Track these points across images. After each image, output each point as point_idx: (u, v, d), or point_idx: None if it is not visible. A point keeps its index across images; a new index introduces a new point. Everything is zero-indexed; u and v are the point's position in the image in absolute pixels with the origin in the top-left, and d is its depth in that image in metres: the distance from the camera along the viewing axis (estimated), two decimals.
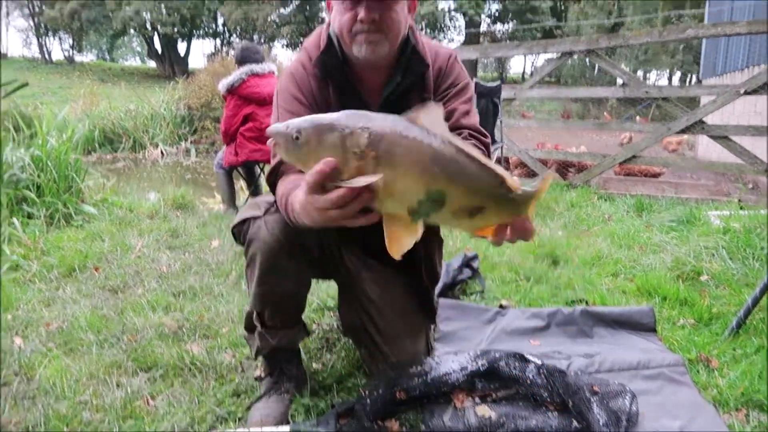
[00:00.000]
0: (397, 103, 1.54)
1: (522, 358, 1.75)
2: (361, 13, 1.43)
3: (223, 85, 4.42)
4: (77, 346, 2.15)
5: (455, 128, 1.58)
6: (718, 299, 2.56)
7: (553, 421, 1.57)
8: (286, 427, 1.56)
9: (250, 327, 1.78)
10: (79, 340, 2.19)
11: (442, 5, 28.39)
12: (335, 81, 1.58)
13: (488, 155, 1.63)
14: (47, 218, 3.76)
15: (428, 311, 1.90)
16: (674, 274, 2.90)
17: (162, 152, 11.08)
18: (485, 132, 1.65)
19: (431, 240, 1.84)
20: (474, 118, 1.65)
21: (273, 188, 1.54)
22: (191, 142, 11.32)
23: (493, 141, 5.46)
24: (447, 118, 1.58)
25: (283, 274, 1.59)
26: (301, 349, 1.93)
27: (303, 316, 1.83)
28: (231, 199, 4.75)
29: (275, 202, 1.58)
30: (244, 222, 1.60)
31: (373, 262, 1.76)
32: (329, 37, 1.58)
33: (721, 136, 5.02)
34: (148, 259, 3.25)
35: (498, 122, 5.46)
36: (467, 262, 2.79)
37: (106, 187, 4.68)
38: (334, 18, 1.51)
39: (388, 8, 1.45)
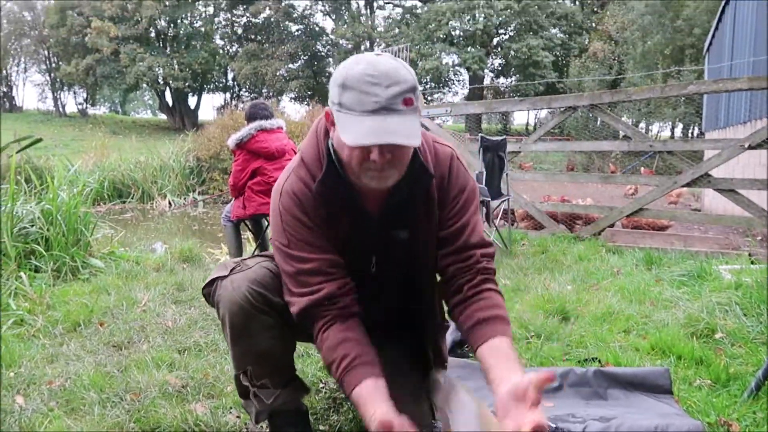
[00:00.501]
0: (398, 211, 1.54)
1: None
2: (374, 155, 1.33)
3: (232, 140, 4.49)
4: (79, 406, 2.10)
5: (467, 247, 1.56)
6: (735, 358, 2.50)
7: None
8: None
9: (243, 393, 1.72)
10: (81, 399, 2.14)
11: (446, 60, 29.16)
12: (339, 201, 1.52)
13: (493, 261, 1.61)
14: (54, 272, 3.76)
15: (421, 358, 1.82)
16: (688, 331, 2.84)
17: (170, 203, 11.19)
18: (489, 241, 1.63)
19: (437, 325, 1.82)
20: (480, 229, 1.62)
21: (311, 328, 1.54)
22: (199, 193, 11.43)
23: (500, 194, 5.49)
24: (458, 233, 1.57)
25: (255, 332, 1.57)
26: (309, 410, 1.88)
27: (301, 374, 1.79)
28: (238, 252, 4.77)
29: (241, 262, 1.63)
30: (213, 283, 1.61)
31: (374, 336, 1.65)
32: (330, 160, 1.48)
33: (728, 189, 5.02)
34: (154, 313, 3.22)
35: (504, 175, 5.50)
36: None
37: (113, 239, 4.69)
38: (340, 145, 1.39)
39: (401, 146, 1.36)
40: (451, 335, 2.41)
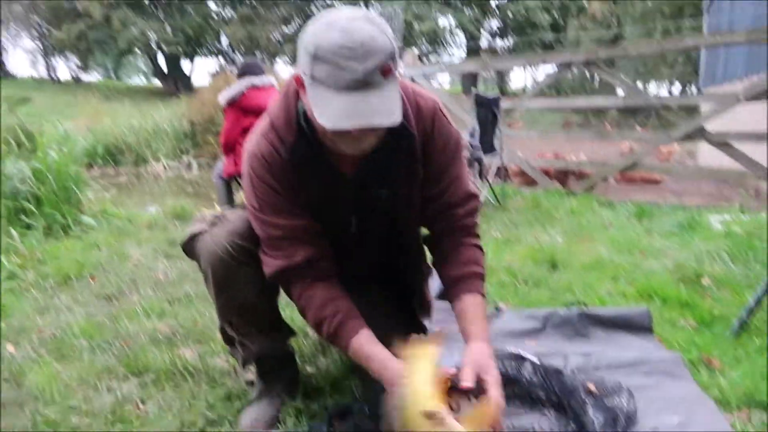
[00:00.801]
0: (376, 171, 1.48)
1: (518, 357, 1.72)
2: (354, 131, 1.25)
3: (223, 98, 4.44)
4: (69, 353, 2.13)
5: (450, 204, 1.55)
6: (720, 301, 2.53)
7: (549, 421, 1.54)
8: None
9: (229, 341, 1.74)
10: (71, 347, 2.17)
11: (442, 22, 28.64)
12: (311, 166, 1.46)
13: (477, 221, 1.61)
14: (46, 229, 3.76)
15: (414, 327, 1.82)
16: (675, 277, 2.86)
17: (164, 166, 11.13)
18: (476, 192, 1.61)
19: (421, 275, 1.81)
20: (465, 181, 1.59)
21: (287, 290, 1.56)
22: (193, 156, 11.36)
23: (493, 150, 5.46)
24: (442, 191, 1.55)
25: (238, 284, 1.57)
26: (296, 353, 1.90)
27: (288, 320, 1.80)
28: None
29: (221, 215, 1.60)
30: (193, 238, 1.59)
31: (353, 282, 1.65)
32: (301, 126, 1.41)
33: (722, 143, 5.00)
34: (145, 267, 3.23)
35: (497, 132, 5.46)
36: None
37: (105, 198, 4.68)
38: (309, 109, 1.30)
39: None
40: (439, 282, 2.42)
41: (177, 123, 12.21)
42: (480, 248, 1.60)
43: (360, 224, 1.59)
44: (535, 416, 1.55)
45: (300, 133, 1.41)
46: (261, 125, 1.50)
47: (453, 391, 1.33)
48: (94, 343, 2.19)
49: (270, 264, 1.49)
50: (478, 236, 1.61)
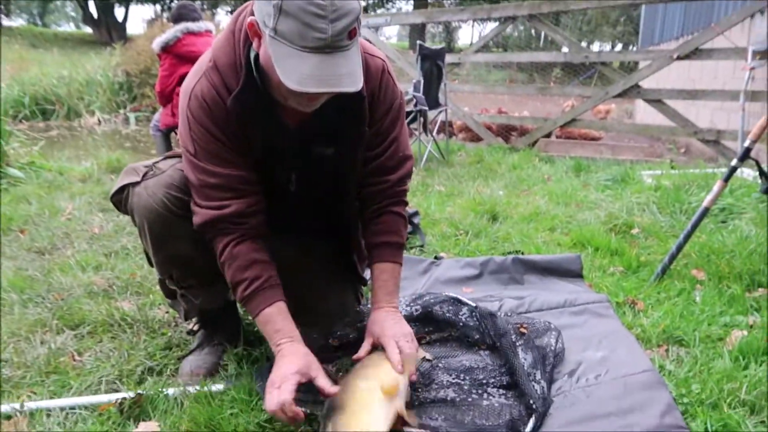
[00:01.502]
0: (321, 128, 1.45)
1: (455, 302, 1.77)
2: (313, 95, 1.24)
3: (157, 44, 4.23)
4: None
5: (384, 169, 1.56)
6: (647, 249, 2.67)
7: (483, 360, 1.60)
8: (221, 385, 1.53)
9: (170, 294, 1.69)
10: None
11: None
12: (255, 115, 1.39)
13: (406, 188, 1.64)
14: None
15: (354, 275, 1.85)
16: (607, 227, 2.99)
17: (99, 120, 10.59)
18: (410, 155, 1.63)
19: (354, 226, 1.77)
20: (403, 144, 1.59)
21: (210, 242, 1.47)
22: (130, 110, 10.86)
23: (438, 104, 5.47)
24: (379, 154, 1.55)
25: (177, 237, 1.50)
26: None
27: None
28: None
29: (153, 166, 1.52)
30: (123, 189, 1.51)
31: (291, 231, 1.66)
32: (250, 73, 1.33)
33: (656, 100, 5.18)
34: (79, 221, 3.12)
35: (442, 85, 5.47)
36: (408, 218, 2.79)
37: (33, 151, 4.44)
38: (269, 66, 1.23)
39: None
40: None
41: (111, 74, 11.57)
42: (403, 216, 1.62)
43: (299, 182, 1.55)
44: (470, 356, 1.61)
45: (247, 81, 1.34)
46: (202, 63, 1.42)
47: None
48: (25, 297, 2.11)
49: (200, 213, 1.43)
50: (404, 203, 1.64)
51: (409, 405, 1.36)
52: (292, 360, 1.33)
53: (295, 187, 1.55)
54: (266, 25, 1.19)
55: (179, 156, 1.56)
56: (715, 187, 2.27)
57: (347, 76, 1.19)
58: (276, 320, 1.41)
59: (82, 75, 11.33)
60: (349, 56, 1.20)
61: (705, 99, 5.19)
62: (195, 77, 1.40)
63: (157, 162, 1.54)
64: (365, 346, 1.46)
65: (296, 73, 1.16)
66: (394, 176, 1.58)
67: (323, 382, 1.31)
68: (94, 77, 11.36)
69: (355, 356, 1.46)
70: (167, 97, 4.28)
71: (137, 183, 1.49)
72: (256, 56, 1.31)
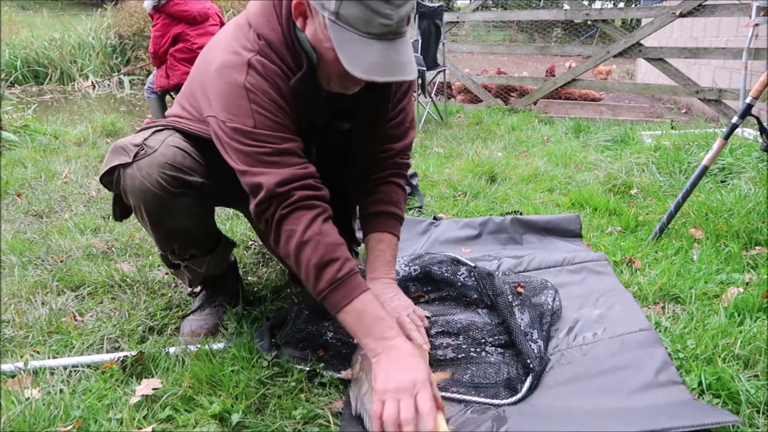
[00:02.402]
0: (343, 105, 1.46)
1: (454, 262, 1.78)
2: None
3: (148, 4, 4.15)
4: None
5: (389, 139, 1.57)
6: (645, 209, 2.67)
7: (482, 319, 1.62)
8: (221, 344, 1.55)
9: (173, 266, 1.66)
10: None
11: None
12: (308, 94, 1.36)
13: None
14: None
15: (349, 235, 1.84)
16: (606, 188, 2.99)
17: (93, 84, 10.44)
18: (414, 124, 1.63)
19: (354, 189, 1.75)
20: (410, 114, 1.60)
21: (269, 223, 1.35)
22: (124, 74, 10.69)
23: (436, 65, 5.39)
24: (391, 116, 1.54)
25: (175, 214, 1.46)
26: (238, 262, 1.90)
27: (229, 233, 1.78)
28: None
29: (143, 144, 1.43)
30: (113, 170, 1.44)
31: None
32: (308, 57, 1.32)
33: (657, 59, 5.11)
34: (76, 185, 3.10)
35: (441, 45, 5.37)
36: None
37: (27, 114, 4.39)
38: (322, 48, 1.24)
39: None
40: None
41: (103, 36, 11.35)
42: (403, 190, 1.63)
43: (317, 154, 1.56)
44: (468, 315, 1.63)
45: (308, 65, 1.32)
46: (245, 39, 1.34)
47: None
48: (24, 259, 2.12)
49: (273, 173, 1.30)
50: (405, 177, 1.64)
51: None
52: (415, 362, 1.21)
53: (314, 159, 1.53)
54: (325, 8, 1.16)
55: (168, 128, 1.50)
56: (715, 145, 2.25)
57: (408, 64, 1.20)
58: (375, 307, 1.27)
59: (74, 38, 11.11)
60: (406, 42, 1.21)
61: (707, 57, 5.10)
62: (246, 55, 1.31)
63: (146, 139, 1.46)
64: None
65: (363, 61, 1.15)
66: (399, 144, 1.58)
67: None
68: (86, 40, 11.15)
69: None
70: (161, 58, 4.21)
71: (129, 164, 1.41)
72: (307, 39, 1.29)
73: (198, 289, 1.80)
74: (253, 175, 1.30)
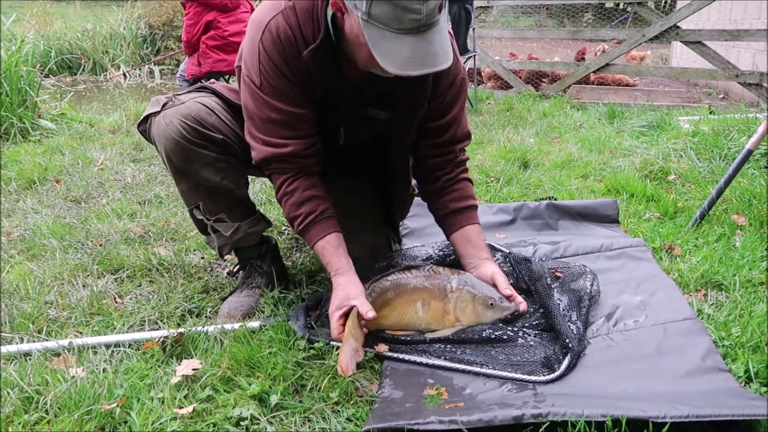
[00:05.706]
0: (378, 92, 1.50)
1: (490, 248, 1.76)
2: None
3: None
4: (40, 252, 2.11)
5: (451, 142, 1.61)
6: (684, 195, 2.60)
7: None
8: (256, 322, 1.56)
9: (202, 228, 1.73)
10: (42, 246, 2.14)
11: None
12: (324, 68, 1.41)
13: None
14: (2, 133, 3.60)
15: (390, 226, 1.91)
16: (642, 174, 2.92)
17: (125, 74, 10.60)
18: (469, 131, 1.68)
19: (405, 189, 1.85)
20: (465, 121, 1.65)
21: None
22: (154, 63, 10.83)
23: (466, 51, 5.32)
24: (444, 128, 1.59)
25: (197, 166, 1.55)
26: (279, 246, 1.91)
27: (263, 212, 1.81)
28: None
29: (174, 97, 1.57)
30: (147, 120, 1.57)
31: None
32: (328, 35, 1.35)
33: (695, 42, 4.96)
34: (112, 171, 3.16)
35: (471, 31, 5.30)
36: None
37: (63, 103, 4.48)
38: (356, 43, 1.29)
39: None
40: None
41: (134, 26, 11.51)
42: (471, 182, 1.71)
43: (348, 136, 1.59)
44: None
45: (324, 41, 1.36)
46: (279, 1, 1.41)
47: None
48: (65, 243, 2.16)
49: (258, 149, 1.49)
50: (467, 169, 1.71)
51: None
52: (344, 289, 1.43)
53: (343, 141, 1.60)
54: (357, 8, 1.20)
55: (203, 90, 1.62)
56: (760, 128, 2.18)
57: (442, 54, 1.23)
58: (329, 252, 1.49)
59: (106, 29, 11.29)
60: (440, 31, 1.23)
61: (748, 39, 4.93)
62: (271, 11, 1.42)
63: (179, 94, 1.60)
64: (504, 285, 1.54)
65: (396, 57, 1.19)
66: (459, 146, 1.66)
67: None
68: (117, 30, 11.32)
69: (505, 292, 1.53)
70: (193, 47, 4.25)
71: (157, 113, 1.54)
72: (333, 14, 1.33)
73: (236, 269, 1.82)
74: (248, 135, 1.51)
